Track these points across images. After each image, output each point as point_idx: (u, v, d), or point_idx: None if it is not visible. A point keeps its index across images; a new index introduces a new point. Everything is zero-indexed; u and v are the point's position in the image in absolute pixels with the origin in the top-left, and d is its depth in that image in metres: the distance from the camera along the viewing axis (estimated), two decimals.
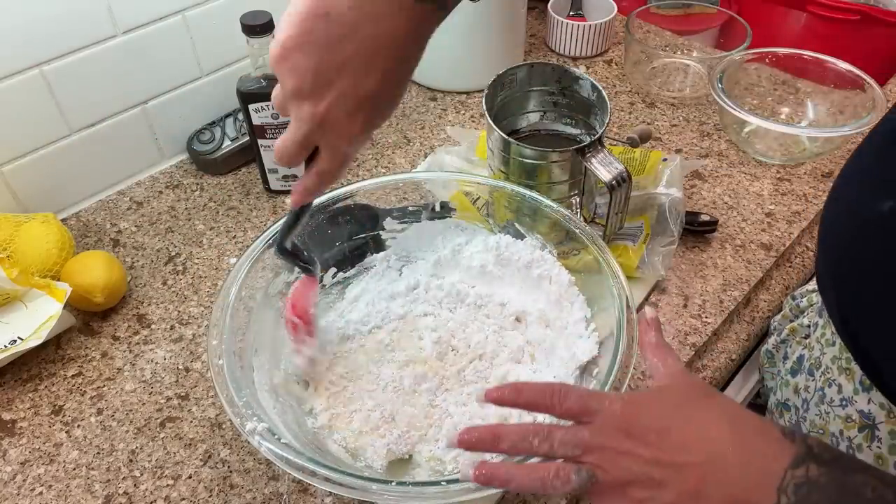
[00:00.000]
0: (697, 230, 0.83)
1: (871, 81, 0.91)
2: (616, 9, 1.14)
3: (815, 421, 0.63)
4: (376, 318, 0.71)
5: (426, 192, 0.76)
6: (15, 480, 0.65)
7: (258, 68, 0.81)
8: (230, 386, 0.56)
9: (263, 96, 0.81)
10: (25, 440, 0.67)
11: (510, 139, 0.73)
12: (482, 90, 0.77)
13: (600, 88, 0.76)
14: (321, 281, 0.73)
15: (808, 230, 0.87)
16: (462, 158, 0.90)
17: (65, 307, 0.71)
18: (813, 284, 0.74)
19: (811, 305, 0.71)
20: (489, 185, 0.74)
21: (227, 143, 0.93)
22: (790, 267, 0.84)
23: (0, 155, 0.82)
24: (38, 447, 0.67)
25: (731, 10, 1.21)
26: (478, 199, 0.76)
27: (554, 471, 0.43)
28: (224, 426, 0.68)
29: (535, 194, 0.70)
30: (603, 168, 0.70)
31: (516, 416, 0.62)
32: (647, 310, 0.55)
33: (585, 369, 0.63)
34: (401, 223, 0.75)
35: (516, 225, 0.73)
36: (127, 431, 0.68)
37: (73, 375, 0.73)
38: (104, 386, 0.72)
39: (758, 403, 0.86)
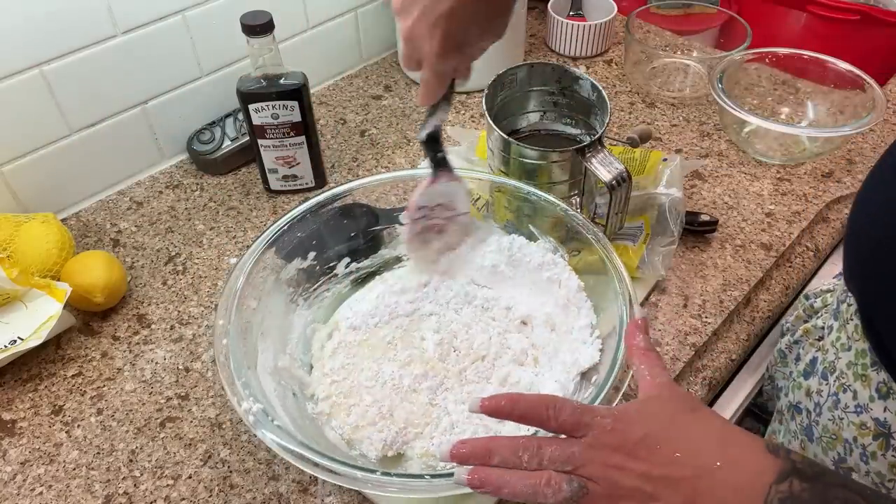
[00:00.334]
0: (697, 230, 0.83)
1: (871, 81, 0.91)
2: (616, 9, 1.14)
3: (828, 426, 0.62)
4: (384, 312, 0.72)
5: None
6: (15, 480, 0.65)
7: (258, 68, 0.81)
8: (231, 366, 0.57)
9: (263, 96, 0.81)
10: (25, 440, 0.67)
11: (510, 139, 0.73)
12: (482, 90, 0.77)
13: (600, 88, 0.76)
14: (334, 271, 0.75)
15: (808, 230, 0.87)
16: (462, 158, 0.90)
17: (65, 307, 0.71)
18: (827, 285, 0.73)
19: (825, 306, 0.71)
20: (490, 182, 0.74)
21: (227, 143, 0.93)
22: (790, 267, 0.84)
23: (0, 155, 0.82)
24: (38, 447, 0.67)
25: (731, 10, 1.21)
26: (478, 198, 0.76)
27: (546, 479, 0.44)
28: (224, 426, 0.68)
29: (538, 190, 0.70)
30: (603, 168, 0.70)
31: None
32: (638, 310, 0.55)
33: (585, 375, 0.63)
34: None
35: (531, 227, 0.73)
36: (127, 431, 0.68)
37: (73, 375, 0.73)
38: (104, 386, 0.72)
39: (758, 403, 0.86)
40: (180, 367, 0.73)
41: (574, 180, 0.75)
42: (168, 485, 0.64)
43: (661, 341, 0.74)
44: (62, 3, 0.78)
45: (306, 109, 0.84)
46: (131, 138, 0.92)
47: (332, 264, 0.74)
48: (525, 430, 0.55)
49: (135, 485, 0.64)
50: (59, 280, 0.74)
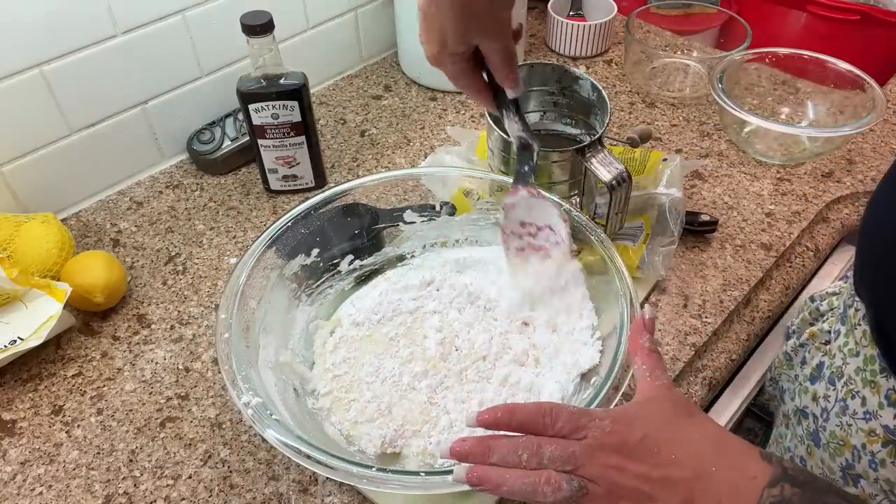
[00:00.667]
0: (697, 230, 0.83)
1: (871, 81, 0.91)
2: (616, 9, 1.14)
3: (836, 432, 0.61)
4: (387, 308, 0.72)
5: (426, 192, 0.76)
6: (15, 480, 0.65)
7: (258, 68, 0.81)
8: (232, 360, 0.57)
9: (263, 96, 0.81)
10: (25, 440, 0.67)
11: (510, 139, 0.73)
12: None
13: (600, 88, 0.76)
14: (338, 268, 0.75)
15: (808, 230, 0.87)
16: (462, 158, 0.90)
17: (65, 307, 0.71)
18: (833, 287, 0.73)
19: (831, 310, 0.70)
20: (490, 182, 0.74)
21: (227, 143, 0.93)
22: (790, 267, 0.84)
23: (0, 155, 0.82)
24: (38, 447, 0.67)
25: (731, 10, 1.21)
26: (478, 199, 0.76)
27: (545, 478, 0.44)
28: (224, 426, 0.68)
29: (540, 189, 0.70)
30: (603, 168, 0.70)
31: None
32: (647, 309, 0.55)
33: (585, 376, 0.63)
34: (421, 216, 0.76)
35: None
36: (127, 431, 0.68)
37: (73, 375, 0.73)
38: (104, 386, 0.72)
39: (759, 403, 0.86)
40: (180, 367, 0.73)
41: (574, 180, 0.75)
42: (168, 485, 0.64)
43: (661, 341, 0.74)
44: (62, 3, 0.78)
45: (306, 109, 0.84)
46: (131, 138, 0.92)
47: (335, 261, 0.74)
48: None
49: (135, 485, 0.64)
50: (59, 280, 0.74)
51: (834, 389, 0.63)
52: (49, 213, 0.81)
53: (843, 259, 0.91)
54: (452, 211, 0.75)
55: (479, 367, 0.67)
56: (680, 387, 0.72)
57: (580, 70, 0.85)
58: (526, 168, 0.66)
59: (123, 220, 0.89)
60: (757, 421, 0.96)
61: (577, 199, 0.77)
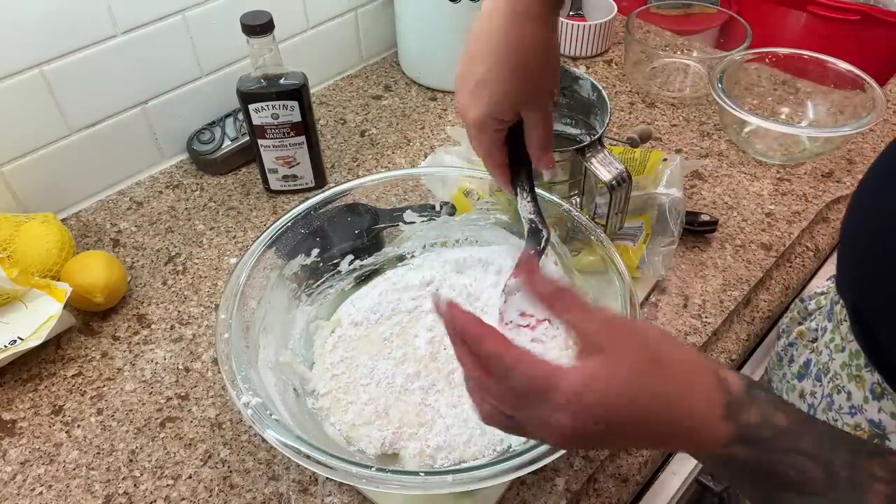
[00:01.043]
0: (697, 230, 0.83)
1: (871, 81, 0.91)
2: (616, 9, 1.14)
3: None
4: (385, 307, 0.72)
5: (426, 192, 0.76)
6: (15, 480, 0.64)
7: (258, 68, 0.81)
8: (232, 360, 0.57)
9: (263, 96, 0.81)
10: (25, 440, 0.67)
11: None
12: None
13: (600, 88, 0.76)
14: (338, 268, 0.74)
15: (808, 230, 0.87)
16: (462, 158, 0.90)
17: (65, 307, 0.71)
18: (821, 287, 0.73)
19: (819, 308, 0.71)
20: (490, 182, 0.74)
21: (227, 143, 0.93)
22: (790, 267, 0.84)
23: (0, 155, 0.82)
24: (38, 447, 0.67)
25: (731, 10, 1.21)
26: (478, 199, 0.76)
27: (487, 410, 0.43)
28: (224, 426, 0.68)
29: (538, 189, 0.70)
30: (603, 168, 0.70)
31: None
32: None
33: None
34: (421, 216, 0.76)
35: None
36: (127, 431, 0.68)
37: (73, 375, 0.73)
38: (104, 386, 0.72)
39: None
40: (180, 367, 0.73)
41: (574, 180, 0.75)
42: (168, 485, 0.64)
43: None
44: (62, 3, 0.78)
45: (306, 109, 0.84)
46: (131, 138, 0.92)
47: (335, 261, 0.74)
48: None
49: (135, 485, 0.64)
50: (59, 280, 0.74)
51: (820, 386, 0.63)
52: (49, 213, 0.81)
53: None
54: (452, 211, 0.75)
55: None
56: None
57: (580, 70, 0.85)
58: (533, 252, 0.62)
59: (123, 220, 0.89)
60: None
61: (577, 199, 0.77)
